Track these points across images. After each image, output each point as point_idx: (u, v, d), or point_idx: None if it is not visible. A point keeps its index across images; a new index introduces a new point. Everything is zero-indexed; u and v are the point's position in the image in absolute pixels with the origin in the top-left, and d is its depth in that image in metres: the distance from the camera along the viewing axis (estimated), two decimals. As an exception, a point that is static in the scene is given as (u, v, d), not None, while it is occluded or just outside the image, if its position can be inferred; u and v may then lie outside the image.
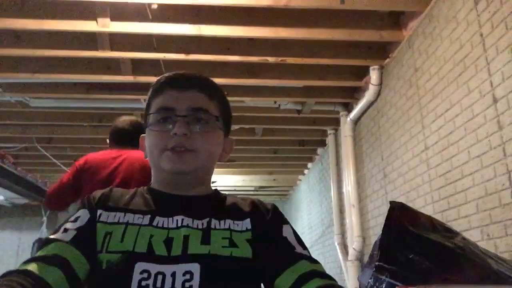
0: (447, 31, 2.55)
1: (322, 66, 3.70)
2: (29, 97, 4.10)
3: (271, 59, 3.37)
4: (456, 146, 2.42)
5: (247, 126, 4.85)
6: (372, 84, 3.58)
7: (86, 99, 4.17)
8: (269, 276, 0.77)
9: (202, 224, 0.79)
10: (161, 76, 0.89)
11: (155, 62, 3.51)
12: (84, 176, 2.20)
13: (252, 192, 8.40)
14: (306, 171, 6.97)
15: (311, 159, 6.45)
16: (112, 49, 3.23)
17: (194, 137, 0.81)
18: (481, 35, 2.21)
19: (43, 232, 5.99)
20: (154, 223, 0.79)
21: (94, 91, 3.96)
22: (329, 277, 0.75)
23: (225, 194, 0.92)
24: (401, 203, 1.09)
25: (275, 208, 0.87)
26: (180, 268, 0.72)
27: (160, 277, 0.71)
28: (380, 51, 3.48)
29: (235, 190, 7.99)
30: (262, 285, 0.81)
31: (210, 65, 3.52)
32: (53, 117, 4.70)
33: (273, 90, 4.07)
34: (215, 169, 0.93)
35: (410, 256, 0.97)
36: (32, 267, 0.69)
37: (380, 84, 3.57)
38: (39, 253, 0.73)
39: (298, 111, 4.46)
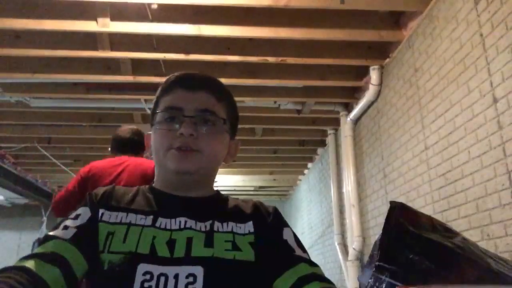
0: (447, 31, 2.55)
1: (322, 66, 3.70)
2: (29, 97, 4.10)
3: (271, 59, 3.37)
4: (456, 146, 2.42)
5: (247, 126, 4.85)
6: (372, 84, 3.58)
7: (86, 99, 4.17)
8: (268, 277, 0.77)
9: (205, 226, 0.79)
10: (171, 75, 0.88)
11: (155, 62, 3.51)
12: (88, 184, 2.30)
13: (252, 192, 8.40)
14: (306, 171, 6.97)
15: (311, 159, 6.45)
16: (112, 49, 3.23)
17: (200, 138, 0.81)
18: (481, 35, 2.21)
19: (43, 232, 5.99)
20: (157, 224, 0.78)
21: (94, 91, 3.96)
22: (328, 281, 0.76)
23: (227, 195, 0.92)
24: (401, 203, 1.09)
25: (276, 210, 0.88)
26: (183, 270, 0.72)
27: (162, 278, 0.71)
28: (380, 51, 3.48)
29: (235, 190, 7.99)
30: None
31: (210, 65, 3.52)
32: (53, 117, 4.70)
33: (273, 90, 4.07)
34: (215, 169, 0.93)
35: (410, 256, 0.97)
36: (30, 264, 0.68)
37: (380, 84, 3.57)
38: (38, 250, 0.73)
39: (298, 111, 4.46)
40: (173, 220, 0.79)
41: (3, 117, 4.65)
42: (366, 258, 3.82)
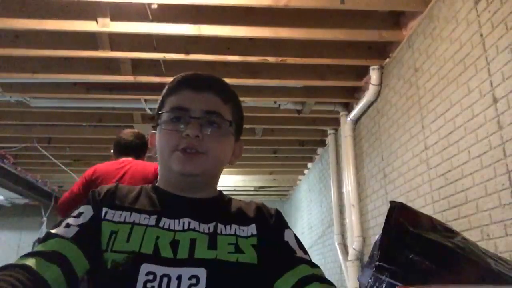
0: (447, 31, 2.55)
1: (322, 66, 3.71)
2: (29, 97, 4.09)
3: (271, 59, 3.37)
4: (456, 146, 2.42)
5: (247, 126, 4.85)
6: (372, 84, 3.58)
7: (86, 99, 4.17)
8: (269, 279, 0.78)
9: (209, 228, 0.79)
10: (178, 75, 0.88)
11: (155, 62, 3.51)
12: (93, 186, 2.34)
13: (252, 192, 8.40)
14: (306, 171, 6.97)
15: (311, 159, 6.45)
16: (112, 49, 3.23)
17: (205, 140, 0.81)
18: (481, 35, 2.21)
19: (43, 232, 5.97)
20: (161, 224, 0.78)
21: (94, 91, 3.95)
22: (329, 282, 0.76)
23: (229, 196, 0.92)
24: (401, 203, 1.09)
25: (278, 213, 0.88)
26: (186, 272, 0.72)
27: (165, 279, 0.71)
28: (380, 51, 3.48)
29: (235, 190, 7.99)
30: None
31: (210, 65, 3.52)
32: (53, 117, 4.70)
33: (273, 90, 4.07)
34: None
35: (410, 256, 0.97)
36: (31, 262, 0.68)
37: (380, 84, 3.57)
38: (39, 248, 0.73)
39: (298, 111, 4.46)
40: (176, 220, 0.79)
41: (3, 117, 4.65)
42: (366, 258, 3.82)
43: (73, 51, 3.25)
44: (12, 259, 0.72)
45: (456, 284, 0.95)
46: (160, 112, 0.86)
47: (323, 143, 5.59)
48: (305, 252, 0.82)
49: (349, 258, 4.10)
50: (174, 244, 0.75)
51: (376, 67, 3.53)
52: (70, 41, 3.20)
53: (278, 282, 0.76)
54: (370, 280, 0.95)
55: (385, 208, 3.35)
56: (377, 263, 0.96)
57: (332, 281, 0.78)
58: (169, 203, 0.83)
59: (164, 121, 0.84)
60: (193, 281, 0.71)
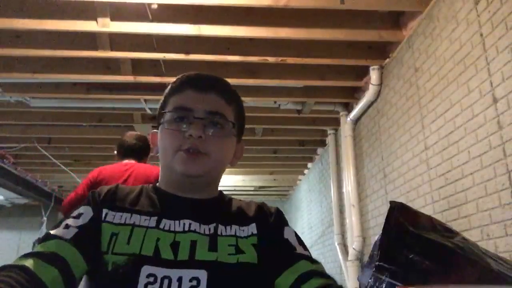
0: (447, 31, 2.55)
1: (322, 66, 3.70)
2: (29, 97, 4.09)
3: (271, 59, 3.36)
4: (456, 146, 2.42)
5: (247, 126, 4.81)
6: (372, 84, 3.58)
7: (86, 99, 4.16)
8: (270, 276, 0.78)
9: (209, 229, 0.79)
10: (181, 74, 0.88)
11: (155, 62, 3.51)
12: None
13: (252, 192, 8.40)
14: (306, 171, 6.97)
15: (311, 159, 6.45)
16: (112, 49, 3.23)
17: (208, 141, 0.81)
18: (481, 35, 2.21)
19: (43, 232, 5.96)
20: (161, 226, 0.78)
21: (94, 91, 3.95)
22: (328, 277, 0.76)
23: (229, 196, 0.92)
24: (401, 203, 1.09)
25: (278, 211, 0.88)
26: (186, 274, 0.72)
27: (166, 281, 0.71)
28: (380, 51, 3.48)
29: (235, 190, 7.99)
30: None
31: (210, 65, 3.52)
32: (53, 117, 4.70)
33: (273, 90, 4.07)
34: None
35: (410, 256, 0.97)
36: (29, 263, 0.68)
37: (380, 84, 3.57)
38: (38, 248, 0.73)
39: (298, 111, 4.46)
40: (177, 222, 0.79)
41: (3, 117, 4.65)
42: (366, 258, 3.82)
43: (73, 51, 3.25)
44: (12, 259, 0.71)
45: (456, 284, 0.95)
46: (163, 111, 0.86)
47: (323, 143, 5.59)
48: (306, 248, 0.82)
49: (349, 258, 4.10)
50: (175, 246, 0.75)
51: (376, 67, 3.53)
52: (70, 41, 3.20)
53: (279, 279, 0.76)
54: (370, 280, 0.95)
55: (385, 208, 3.35)
56: (377, 263, 0.96)
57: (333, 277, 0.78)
58: (170, 204, 0.83)
59: (167, 120, 0.83)
60: (194, 283, 0.71)
